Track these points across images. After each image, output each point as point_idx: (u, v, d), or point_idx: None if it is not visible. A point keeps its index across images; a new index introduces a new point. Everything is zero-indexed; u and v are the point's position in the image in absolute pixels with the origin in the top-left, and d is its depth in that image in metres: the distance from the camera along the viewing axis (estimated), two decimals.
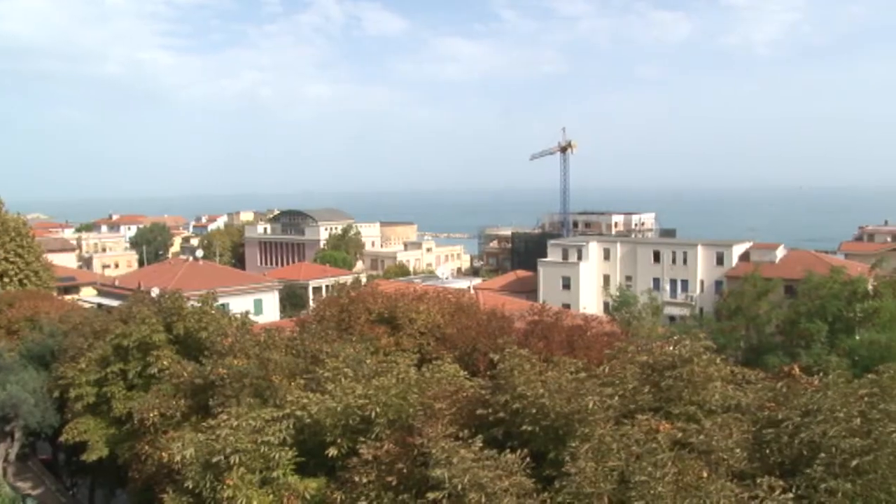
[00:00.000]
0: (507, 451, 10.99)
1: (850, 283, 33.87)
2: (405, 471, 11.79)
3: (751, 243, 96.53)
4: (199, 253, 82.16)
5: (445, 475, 10.28)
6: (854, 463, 9.88)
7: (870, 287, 34.21)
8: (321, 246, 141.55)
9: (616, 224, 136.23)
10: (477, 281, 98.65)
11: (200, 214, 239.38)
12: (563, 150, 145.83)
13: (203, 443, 13.77)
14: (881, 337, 30.23)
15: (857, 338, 30.95)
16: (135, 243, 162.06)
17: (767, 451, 11.03)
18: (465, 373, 17.01)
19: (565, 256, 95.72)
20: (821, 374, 12.46)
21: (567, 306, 63.22)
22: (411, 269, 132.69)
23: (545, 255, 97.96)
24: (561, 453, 10.91)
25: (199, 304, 26.38)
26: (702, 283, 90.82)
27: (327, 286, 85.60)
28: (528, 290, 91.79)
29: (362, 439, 13.25)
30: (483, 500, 9.91)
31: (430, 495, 10.48)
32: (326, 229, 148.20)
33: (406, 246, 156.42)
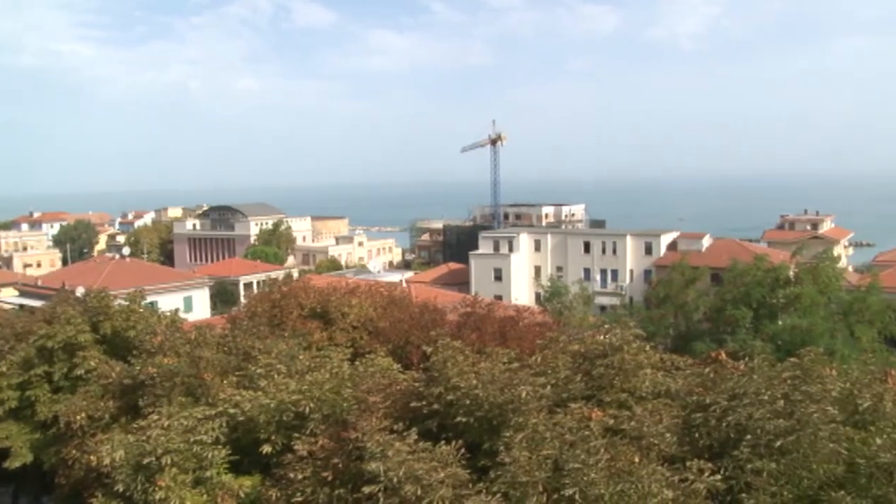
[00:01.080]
0: (442, 442, 11.03)
1: (772, 271, 34.80)
2: (340, 465, 11.75)
3: (678, 233, 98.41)
4: (126, 250, 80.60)
5: (381, 468, 10.28)
6: (778, 443, 10.18)
7: (791, 274, 35.18)
8: (252, 241, 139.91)
9: (546, 215, 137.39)
10: (409, 274, 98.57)
11: (127, 211, 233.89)
12: (494, 142, 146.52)
13: (133, 444, 13.50)
14: (802, 322, 31.12)
15: (780, 323, 31.83)
16: (58, 241, 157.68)
17: (696, 435, 11.29)
18: (399, 366, 17.00)
19: (496, 248, 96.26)
20: (746, 358, 12.80)
21: (499, 298, 63.65)
22: (343, 263, 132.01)
23: (477, 248, 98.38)
24: (495, 443, 11.00)
25: (127, 303, 25.80)
26: (631, 272, 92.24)
27: (258, 282, 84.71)
28: (461, 282, 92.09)
29: (297, 435, 13.15)
30: (419, 492, 9.94)
31: (366, 489, 10.47)
32: (257, 224, 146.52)
33: (337, 240, 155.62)
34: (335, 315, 24.30)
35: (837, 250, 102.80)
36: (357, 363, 16.29)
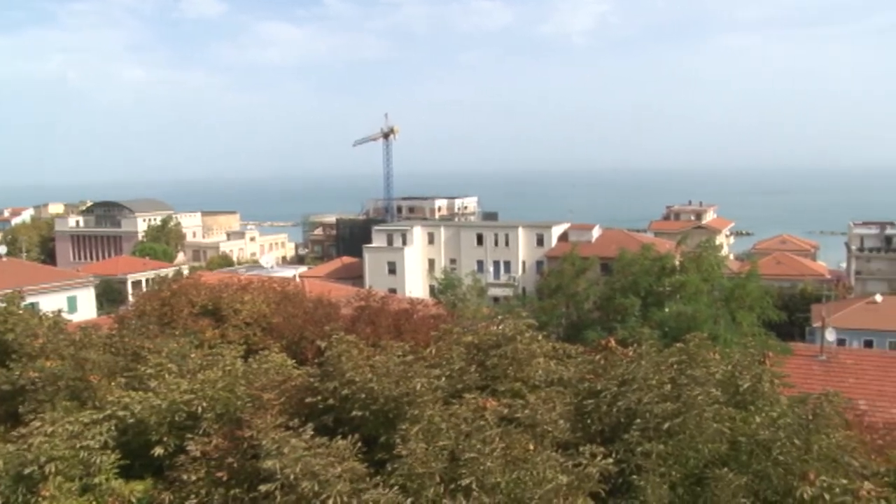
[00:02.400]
0: (339, 437, 10.99)
1: (658, 260, 35.89)
2: (236, 465, 11.57)
3: (569, 224, 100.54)
4: (3, 249, 76.90)
5: (277, 466, 10.18)
6: (666, 426, 10.55)
7: (676, 262, 36.34)
8: (139, 238, 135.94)
9: (440, 208, 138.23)
10: (303, 269, 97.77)
11: (2, 208, 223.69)
12: (386, 135, 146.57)
13: (14, 454, 12.89)
14: (687, 308, 32.21)
15: (667, 310, 32.83)
16: None
17: (589, 421, 11.58)
18: (294, 362, 16.83)
19: (390, 242, 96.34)
20: (635, 345, 13.17)
21: (393, 291, 63.76)
22: (235, 259, 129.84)
23: (370, 241, 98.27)
24: (392, 436, 11.01)
25: (4, 305, 24.66)
26: (524, 263, 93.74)
27: (147, 280, 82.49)
28: (355, 276, 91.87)
29: (190, 436, 12.86)
30: (316, 487, 9.87)
31: (263, 487, 10.34)
32: (144, 220, 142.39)
33: (229, 236, 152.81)
34: (227, 312, 23.85)
35: (719, 239, 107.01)
36: (251, 360, 16.04)
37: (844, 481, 9.85)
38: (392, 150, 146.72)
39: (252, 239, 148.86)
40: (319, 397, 12.34)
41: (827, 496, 9.56)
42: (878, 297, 75.00)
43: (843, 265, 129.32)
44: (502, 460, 9.97)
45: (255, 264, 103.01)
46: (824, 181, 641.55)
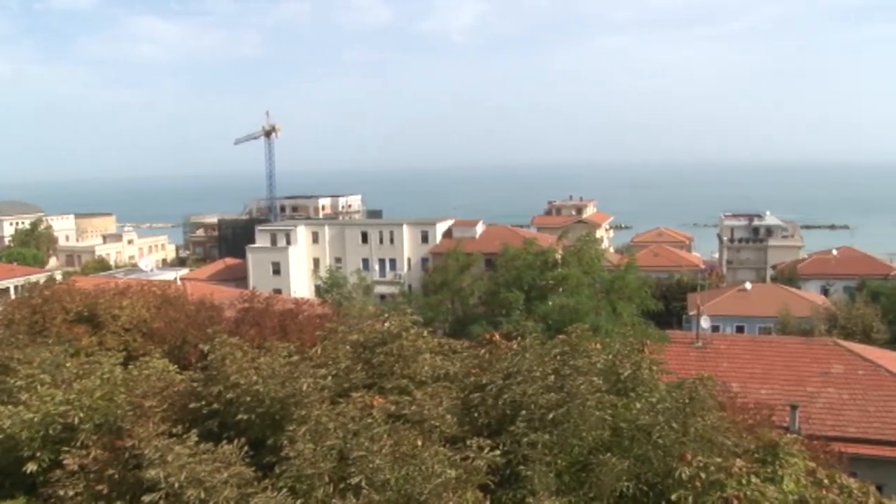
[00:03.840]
0: (225, 442, 10.80)
1: (541, 254, 36.50)
2: (117, 476, 11.22)
3: (453, 220, 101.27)
4: None
5: (160, 475, 9.92)
6: (550, 416, 10.78)
7: (558, 256, 37.04)
8: (6, 243, 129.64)
9: (324, 207, 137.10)
10: (184, 271, 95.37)
11: None
12: (268, 134, 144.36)
13: None
14: (570, 301, 32.90)
15: (550, 303, 33.41)
16: None
17: (475, 414, 11.72)
18: (176, 367, 16.40)
19: (274, 241, 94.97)
20: (519, 338, 13.39)
21: (278, 291, 62.87)
22: (112, 262, 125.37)
23: (254, 242, 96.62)
24: (279, 438, 10.90)
25: None
26: (409, 260, 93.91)
27: (16, 287, 78.82)
28: (239, 277, 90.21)
29: (66, 449, 12.37)
30: (202, 494, 9.68)
31: (146, 498, 10.06)
32: (12, 224, 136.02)
33: (105, 239, 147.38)
34: (105, 318, 23.01)
35: (599, 233, 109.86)
36: (131, 367, 15.54)
37: (719, 460, 10.30)
38: (274, 148, 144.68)
39: (130, 241, 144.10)
40: (203, 402, 12.10)
41: (703, 475, 9.97)
42: (748, 285, 78.54)
43: (716, 255, 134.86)
44: (391, 457, 9.99)
45: (133, 268, 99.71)
46: (696, 175, 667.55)
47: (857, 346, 37.40)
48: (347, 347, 13.36)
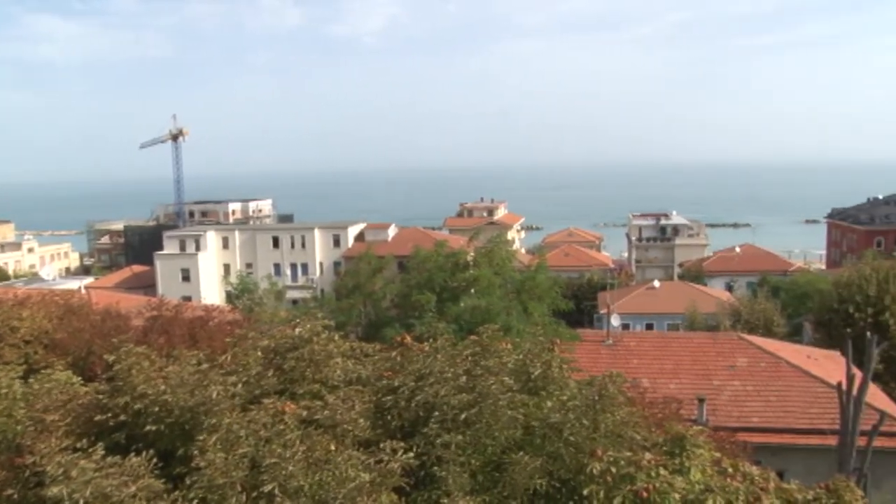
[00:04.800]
0: (133, 454, 10.53)
1: (452, 256, 36.57)
2: (16, 496, 10.83)
3: (365, 224, 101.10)
4: None
5: (64, 492, 9.61)
6: (463, 416, 10.85)
7: (469, 258, 37.21)
8: None
9: (234, 212, 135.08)
10: (89, 280, 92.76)
11: None
12: (175, 137, 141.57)
13: None
14: (481, 302, 33.06)
15: (462, 304, 33.53)
16: None
17: (389, 417, 11.71)
18: (80, 379, 15.91)
19: (183, 248, 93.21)
20: (431, 340, 13.44)
21: (188, 299, 61.64)
22: (11, 272, 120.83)
23: (162, 248, 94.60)
24: (190, 448, 10.68)
25: None
26: (321, 264, 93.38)
27: None
28: (147, 285, 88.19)
29: None
30: None
31: None
32: None
33: (3, 247, 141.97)
34: (3, 330, 22.20)
35: (511, 234, 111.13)
36: (31, 381, 15.01)
37: (629, 454, 10.54)
38: (182, 152, 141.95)
39: (30, 250, 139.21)
40: (110, 414, 11.79)
41: (614, 469, 10.18)
42: (656, 283, 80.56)
43: (625, 254, 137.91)
44: (304, 463, 9.90)
45: (34, 277, 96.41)
46: (606, 177, 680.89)
47: (759, 340, 38.73)
48: (258, 353, 13.18)
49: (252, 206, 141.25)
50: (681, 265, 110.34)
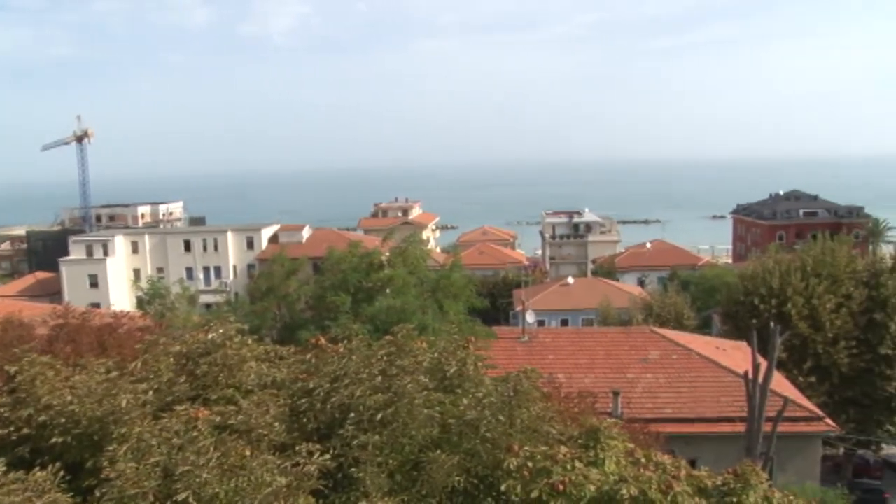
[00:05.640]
0: (38, 468, 10.19)
1: (366, 256, 36.48)
2: None
3: (279, 226, 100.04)
4: None
5: None
6: (379, 416, 10.82)
7: (384, 258, 37.17)
8: None
9: (143, 215, 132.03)
10: None
11: None
12: (80, 139, 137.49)
13: None
14: (396, 301, 33.08)
15: (377, 304, 33.47)
16: None
17: (304, 420, 11.60)
18: None
19: (90, 253, 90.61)
20: (346, 341, 13.36)
21: (96, 305, 60.00)
22: None
23: (67, 254, 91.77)
24: (99, 460, 10.38)
25: None
26: (235, 268, 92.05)
27: None
28: (52, 292, 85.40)
29: None
30: None
31: None
32: None
33: None
34: None
35: (426, 234, 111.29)
36: None
37: (544, 448, 10.67)
38: (87, 154, 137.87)
39: None
40: (12, 428, 11.40)
41: (530, 464, 10.30)
42: (570, 280, 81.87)
43: (539, 252, 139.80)
44: (219, 470, 9.73)
45: None
46: (521, 175, 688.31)
47: (670, 333, 39.76)
48: (170, 360, 12.90)
49: (162, 208, 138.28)
50: (594, 261, 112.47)
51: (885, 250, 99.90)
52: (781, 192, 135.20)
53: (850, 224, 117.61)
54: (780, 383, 33.62)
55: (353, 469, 10.48)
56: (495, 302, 73.11)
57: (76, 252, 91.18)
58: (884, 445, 54.02)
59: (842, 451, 50.03)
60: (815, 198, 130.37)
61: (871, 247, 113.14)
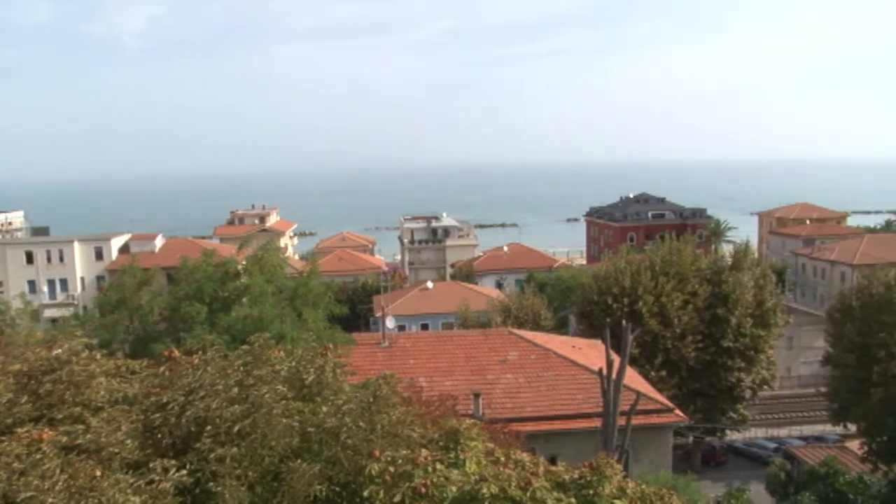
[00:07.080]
0: None
1: (222, 265, 35.62)
2: None
3: (130, 235, 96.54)
4: None
5: None
6: (237, 428, 10.58)
7: (240, 266, 36.41)
8: None
9: None
10: None
11: None
12: None
13: None
14: (254, 310, 32.44)
15: (234, 314, 32.74)
16: None
17: (159, 436, 11.20)
18: None
19: None
20: (201, 352, 13.02)
21: None
22: None
23: None
24: None
25: None
26: (82, 279, 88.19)
27: None
28: None
29: None
30: None
31: None
32: None
33: None
34: None
35: (284, 241, 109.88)
36: None
37: (405, 452, 10.72)
38: None
39: None
40: None
41: (392, 468, 10.33)
42: (430, 284, 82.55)
43: (398, 257, 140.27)
44: (66, 493, 9.28)
45: None
46: (379, 180, 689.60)
47: (528, 334, 40.68)
48: (9, 379, 12.21)
49: (1, 218, 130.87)
50: (452, 265, 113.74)
51: (726, 249, 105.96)
52: (632, 195, 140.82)
53: (694, 225, 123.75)
54: (633, 378, 35.01)
55: (211, 483, 10.21)
56: (355, 308, 72.95)
57: None
58: (727, 432, 57.19)
59: (691, 439, 52.63)
60: (663, 200, 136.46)
61: (713, 246, 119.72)
